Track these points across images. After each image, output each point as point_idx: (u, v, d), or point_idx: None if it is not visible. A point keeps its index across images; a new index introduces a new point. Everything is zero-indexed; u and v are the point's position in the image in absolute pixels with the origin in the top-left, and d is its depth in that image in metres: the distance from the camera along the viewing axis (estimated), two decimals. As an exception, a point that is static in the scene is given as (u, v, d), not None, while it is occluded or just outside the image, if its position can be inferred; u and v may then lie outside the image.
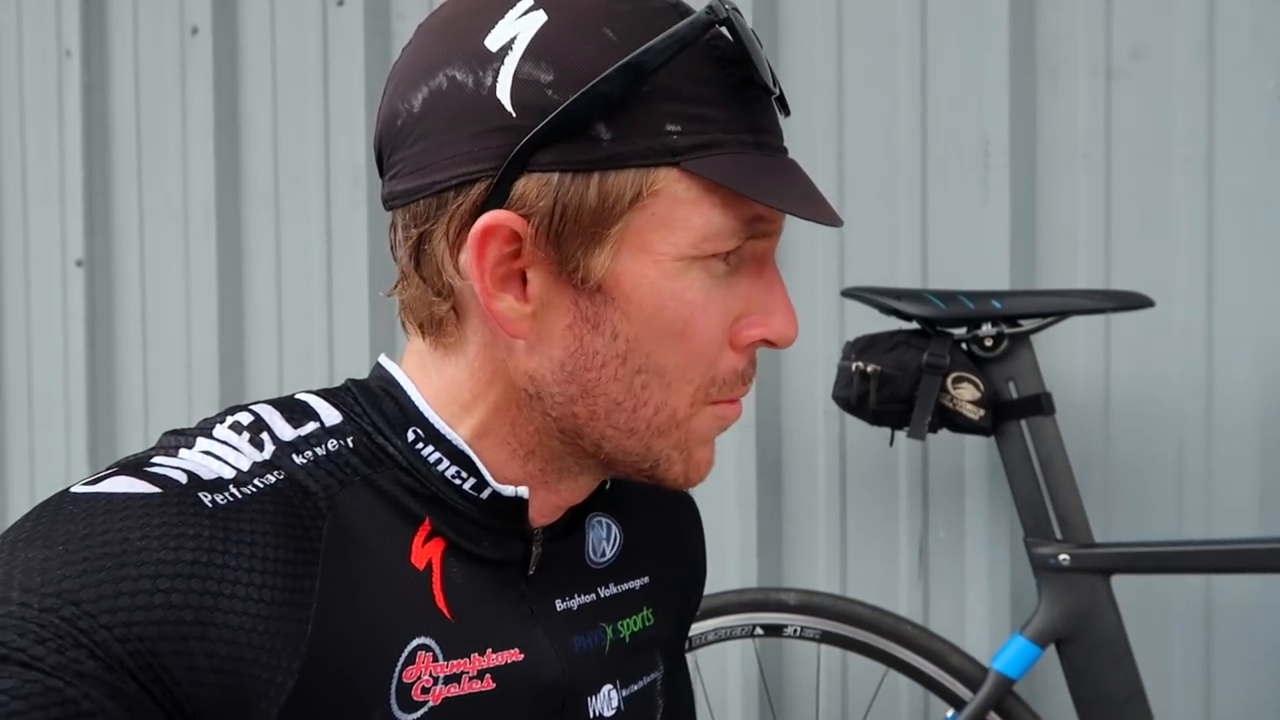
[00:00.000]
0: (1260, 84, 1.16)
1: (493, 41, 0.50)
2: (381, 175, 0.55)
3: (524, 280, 0.51)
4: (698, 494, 1.51)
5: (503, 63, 0.50)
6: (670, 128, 0.49)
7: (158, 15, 1.88)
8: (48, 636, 0.41)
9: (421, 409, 0.54)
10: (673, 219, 0.50)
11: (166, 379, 1.90)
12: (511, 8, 0.51)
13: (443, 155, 0.50)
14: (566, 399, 0.53)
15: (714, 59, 0.51)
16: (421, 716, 0.50)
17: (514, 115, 0.49)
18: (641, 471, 0.55)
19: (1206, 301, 1.19)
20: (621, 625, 0.61)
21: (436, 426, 0.53)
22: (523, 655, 0.54)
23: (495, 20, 0.50)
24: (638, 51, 0.49)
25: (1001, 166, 1.26)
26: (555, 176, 0.49)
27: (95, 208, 1.95)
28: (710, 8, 0.50)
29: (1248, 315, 1.17)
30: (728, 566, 1.41)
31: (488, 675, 0.53)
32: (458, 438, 0.54)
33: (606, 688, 0.59)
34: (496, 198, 0.50)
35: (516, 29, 0.50)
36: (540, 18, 0.50)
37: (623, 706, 0.60)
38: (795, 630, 1.19)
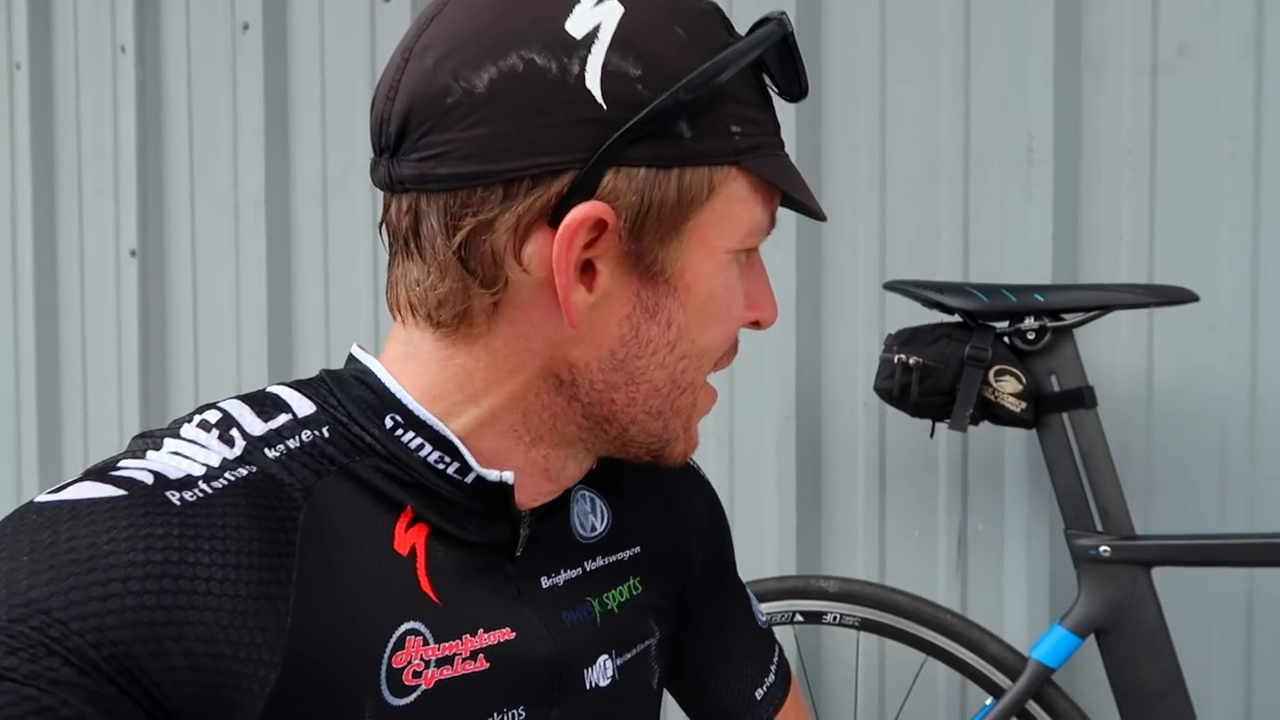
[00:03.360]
0: (1308, 80, 1.16)
1: (575, 28, 0.49)
2: (394, 151, 0.51)
3: (585, 271, 0.52)
4: (740, 484, 1.52)
5: (589, 51, 0.49)
6: (734, 129, 0.52)
7: (210, 12, 1.92)
8: (18, 647, 0.41)
9: (399, 395, 0.53)
10: (729, 215, 0.53)
11: (216, 367, 1.95)
12: None
13: (517, 142, 0.49)
14: (608, 386, 0.54)
15: (756, 64, 0.54)
16: (415, 700, 0.50)
17: (604, 107, 0.49)
18: (651, 452, 0.58)
19: (1251, 297, 1.19)
20: (608, 597, 0.61)
21: (415, 412, 0.53)
22: (515, 634, 0.55)
23: (571, 5, 0.50)
24: (722, 56, 0.51)
25: (1045, 162, 1.26)
26: (642, 171, 0.50)
27: (149, 200, 2.00)
28: (780, 21, 0.53)
29: (1292, 311, 1.17)
30: (766, 555, 1.43)
31: (480, 655, 0.53)
32: (439, 423, 0.53)
33: (602, 658, 0.60)
34: (583, 190, 0.49)
35: (598, 17, 0.49)
36: (617, 8, 0.50)
37: (617, 675, 0.60)
38: (835, 617, 1.21)
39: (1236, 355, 1.20)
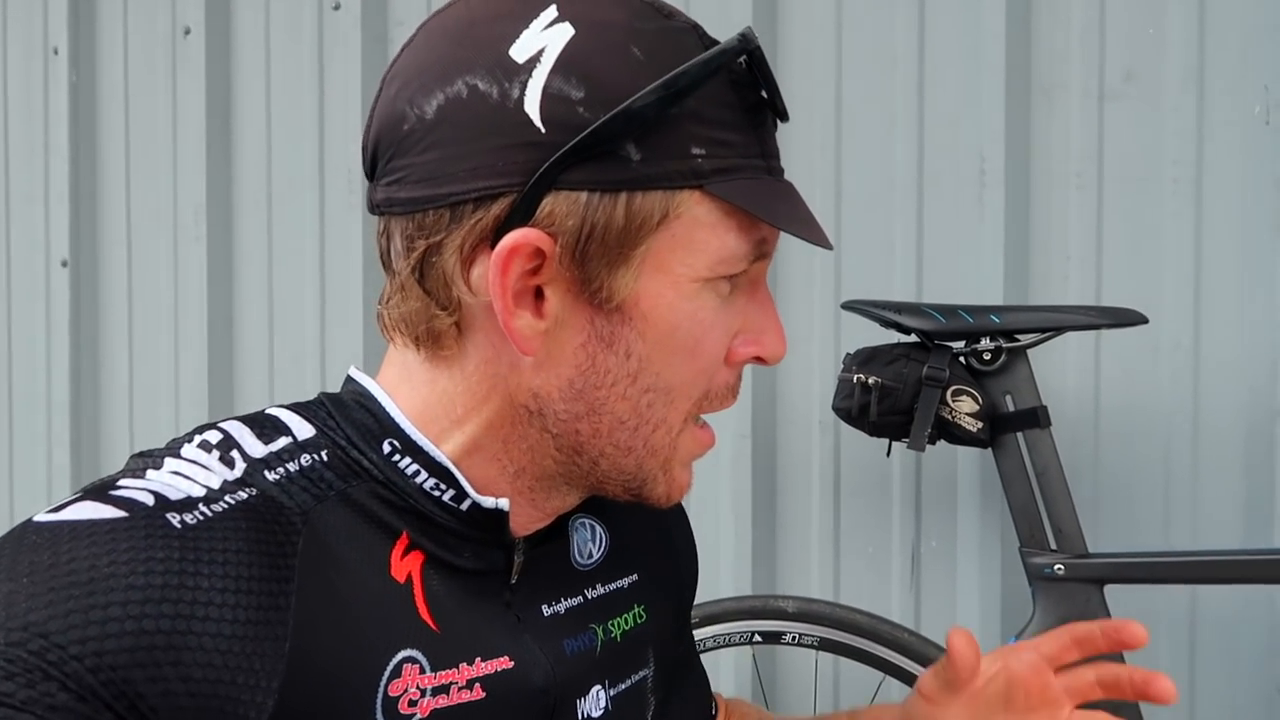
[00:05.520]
0: (1248, 108, 1.20)
1: (518, 52, 0.49)
2: (372, 178, 0.54)
3: (539, 297, 0.51)
4: (695, 502, 1.52)
5: (530, 75, 0.49)
6: (695, 151, 0.50)
7: (149, 15, 1.86)
8: (16, 671, 0.41)
9: (398, 421, 0.53)
10: (692, 241, 0.51)
11: (153, 384, 1.88)
12: (536, 18, 0.50)
13: (460, 166, 0.49)
14: (571, 416, 0.53)
15: (732, 83, 0.51)
16: None
17: (543, 131, 0.48)
18: (629, 490, 0.57)
19: (1194, 319, 1.22)
20: (613, 625, 0.61)
21: (413, 438, 0.53)
22: (513, 663, 0.54)
23: (519, 30, 0.50)
24: (672, 74, 0.49)
25: (997, 184, 1.28)
26: (584, 195, 0.49)
27: (81, 208, 1.93)
28: (743, 36, 0.51)
29: (1233, 332, 1.21)
30: (722, 575, 1.42)
31: (477, 685, 0.53)
32: (436, 450, 0.53)
33: (595, 688, 0.59)
34: (520, 214, 0.49)
35: (544, 41, 0.49)
36: (567, 31, 0.49)
37: (610, 706, 0.60)
38: (793, 637, 1.21)
39: (1180, 375, 1.23)
